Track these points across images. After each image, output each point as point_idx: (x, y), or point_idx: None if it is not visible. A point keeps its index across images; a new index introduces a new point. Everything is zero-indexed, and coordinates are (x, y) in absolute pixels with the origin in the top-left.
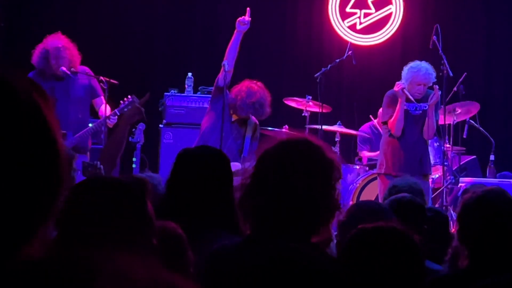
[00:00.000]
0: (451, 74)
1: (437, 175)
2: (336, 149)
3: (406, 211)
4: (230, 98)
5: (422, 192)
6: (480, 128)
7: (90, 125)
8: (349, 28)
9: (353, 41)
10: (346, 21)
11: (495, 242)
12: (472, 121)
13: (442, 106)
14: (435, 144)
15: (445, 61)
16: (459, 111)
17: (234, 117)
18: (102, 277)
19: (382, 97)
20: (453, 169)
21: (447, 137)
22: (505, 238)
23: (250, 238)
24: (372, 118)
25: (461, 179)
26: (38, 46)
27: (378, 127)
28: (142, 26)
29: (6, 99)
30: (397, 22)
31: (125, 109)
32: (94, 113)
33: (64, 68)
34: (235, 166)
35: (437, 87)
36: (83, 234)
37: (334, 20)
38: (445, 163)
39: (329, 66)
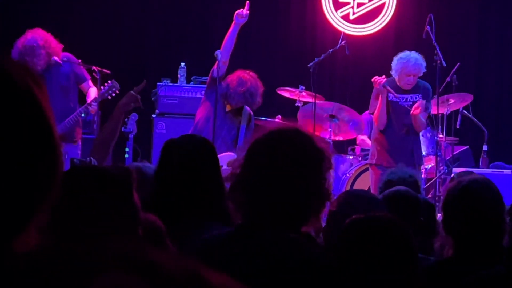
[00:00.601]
0: (444, 64)
1: (430, 166)
2: (329, 139)
3: (401, 205)
4: (222, 88)
5: (418, 184)
6: (473, 118)
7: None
8: (342, 18)
9: (346, 31)
10: (339, 11)
11: (479, 232)
12: (465, 111)
13: (435, 96)
14: (428, 135)
15: (439, 51)
16: (452, 101)
17: (228, 107)
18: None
19: None
20: (446, 159)
21: (440, 127)
22: (489, 228)
23: (241, 228)
24: None
25: (454, 169)
26: (16, 43)
27: None
28: (135, 16)
29: (2, 85)
30: (390, 12)
31: (106, 95)
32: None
33: (56, 58)
34: (230, 156)
35: (420, 97)
36: (67, 223)
37: (327, 10)
38: (438, 154)
39: (322, 56)
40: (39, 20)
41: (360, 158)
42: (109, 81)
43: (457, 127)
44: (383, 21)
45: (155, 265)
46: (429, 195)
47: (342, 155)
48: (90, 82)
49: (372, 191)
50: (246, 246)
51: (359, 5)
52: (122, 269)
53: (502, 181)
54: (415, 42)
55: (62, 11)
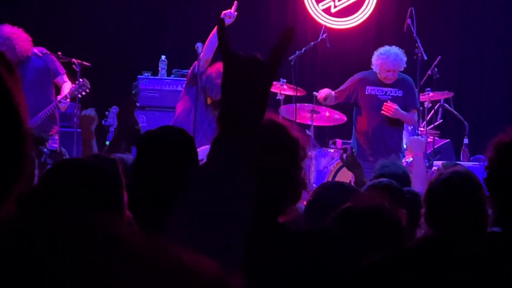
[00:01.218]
0: (425, 58)
1: (410, 159)
2: (311, 132)
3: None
4: (202, 81)
5: (408, 179)
6: (454, 111)
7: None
8: (324, 11)
9: (327, 25)
10: (320, 4)
11: (460, 223)
12: (446, 105)
13: (417, 90)
14: (409, 128)
15: (420, 45)
16: (432, 94)
17: (208, 101)
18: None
19: None
20: (427, 152)
21: (421, 120)
22: (470, 220)
23: None
24: None
25: (435, 162)
26: None
27: None
28: (116, 8)
29: None
30: (371, 5)
31: (76, 93)
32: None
33: (36, 50)
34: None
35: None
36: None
37: (308, 3)
38: None
39: (303, 49)
40: (20, 12)
41: (341, 152)
42: (80, 80)
43: (439, 120)
44: (365, 15)
45: (123, 238)
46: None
47: (323, 148)
48: (65, 77)
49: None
50: None
51: None
52: (87, 238)
53: (483, 174)
54: (396, 35)
55: (43, 3)
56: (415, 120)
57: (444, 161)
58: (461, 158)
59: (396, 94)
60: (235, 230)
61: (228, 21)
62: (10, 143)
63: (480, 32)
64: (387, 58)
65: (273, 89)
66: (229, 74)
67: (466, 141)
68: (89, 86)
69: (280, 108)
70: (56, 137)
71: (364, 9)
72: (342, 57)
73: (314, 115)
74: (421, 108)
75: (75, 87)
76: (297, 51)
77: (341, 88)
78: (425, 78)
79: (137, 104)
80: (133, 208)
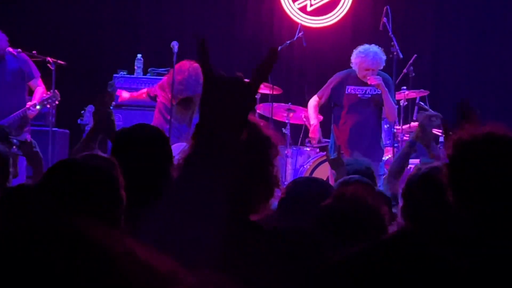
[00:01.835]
0: (401, 56)
1: (387, 157)
2: (287, 131)
3: None
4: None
5: (374, 176)
6: (429, 109)
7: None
8: (300, 10)
9: (303, 23)
10: (296, 3)
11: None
12: (421, 103)
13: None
14: (385, 126)
15: (395, 43)
16: (408, 92)
17: (173, 100)
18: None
19: None
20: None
21: (397, 118)
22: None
23: None
24: None
25: (411, 160)
26: None
27: None
28: (92, 6)
29: None
30: (347, 4)
31: (45, 102)
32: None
33: (10, 49)
34: (181, 146)
35: (372, 77)
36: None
37: (284, 2)
38: (395, 145)
39: (279, 48)
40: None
41: (318, 150)
42: (51, 91)
43: (414, 118)
44: (340, 13)
45: (81, 233)
46: None
47: (300, 147)
48: (40, 81)
49: (330, 182)
50: None
51: None
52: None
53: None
54: (372, 34)
55: (17, 1)
56: (395, 109)
57: (421, 158)
58: None
59: (375, 93)
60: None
61: None
62: None
63: (454, 29)
64: (366, 56)
65: None
66: (208, 95)
67: (441, 139)
68: (59, 98)
69: (256, 106)
70: (28, 136)
71: (340, 7)
72: (318, 55)
73: (291, 114)
74: (397, 106)
75: (45, 97)
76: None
77: (322, 89)
78: (400, 76)
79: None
80: None
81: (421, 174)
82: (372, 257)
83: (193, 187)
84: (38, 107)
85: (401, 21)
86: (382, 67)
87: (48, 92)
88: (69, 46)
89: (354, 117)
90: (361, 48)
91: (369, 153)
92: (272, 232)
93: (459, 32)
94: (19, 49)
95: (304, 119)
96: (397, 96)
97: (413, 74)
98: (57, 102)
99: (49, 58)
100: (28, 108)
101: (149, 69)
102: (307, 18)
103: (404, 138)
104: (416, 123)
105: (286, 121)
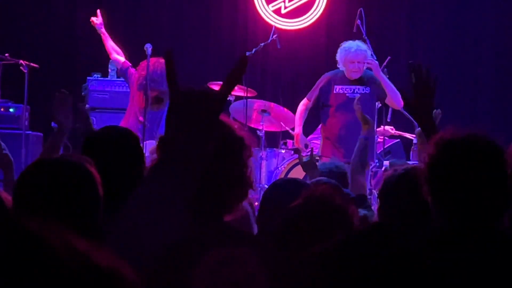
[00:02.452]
0: (375, 58)
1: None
2: (262, 133)
3: None
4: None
5: (345, 175)
6: (404, 111)
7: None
8: (274, 12)
9: (278, 25)
10: (271, 5)
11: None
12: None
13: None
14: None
15: (369, 45)
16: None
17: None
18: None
19: (307, 81)
20: (378, 152)
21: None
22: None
23: None
24: None
25: (385, 162)
26: None
27: None
28: (65, 9)
29: None
30: (321, 6)
31: None
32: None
33: None
34: (152, 143)
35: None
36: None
37: (258, 4)
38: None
39: (253, 50)
40: None
41: (292, 152)
42: None
43: (388, 120)
44: (315, 15)
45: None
46: None
47: (274, 149)
48: None
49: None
50: None
51: None
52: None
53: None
54: (346, 36)
55: None
56: (398, 93)
57: (390, 160)
58: (411, 157)
59: (364, 91)
60: (171, 230)
61: (98, 27)
62: None
63: (428, 31)
64: (349, 49)
65: None
66: (173, 109)
67: (415, 140)
68: None
69: (231, 107)
70: None
71: (314, 10)
72: (293, 58)
73: (265, 116)
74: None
75: None
76: (247, 52)
77: (311, 91)
78: None
79: (87, 105)
80: None
81: (397, 175)
82: (348, 247)
83: (153, 201)
84: None
85: (375, 23)
86: (366, 60)
87: None
88: (42, 49)
89: (344, 117)
90: (344, 44)
91: (348, 153)
92: (247, 233)
93: (433, 34)
94: None
95: (282, 124)
96: None
97: (387, 76)
98: None
99: (22, 61)
100: None
101: None
102: (281, 21)
103: (378, 140)
104: (389, 126)
105: (261, 123)
